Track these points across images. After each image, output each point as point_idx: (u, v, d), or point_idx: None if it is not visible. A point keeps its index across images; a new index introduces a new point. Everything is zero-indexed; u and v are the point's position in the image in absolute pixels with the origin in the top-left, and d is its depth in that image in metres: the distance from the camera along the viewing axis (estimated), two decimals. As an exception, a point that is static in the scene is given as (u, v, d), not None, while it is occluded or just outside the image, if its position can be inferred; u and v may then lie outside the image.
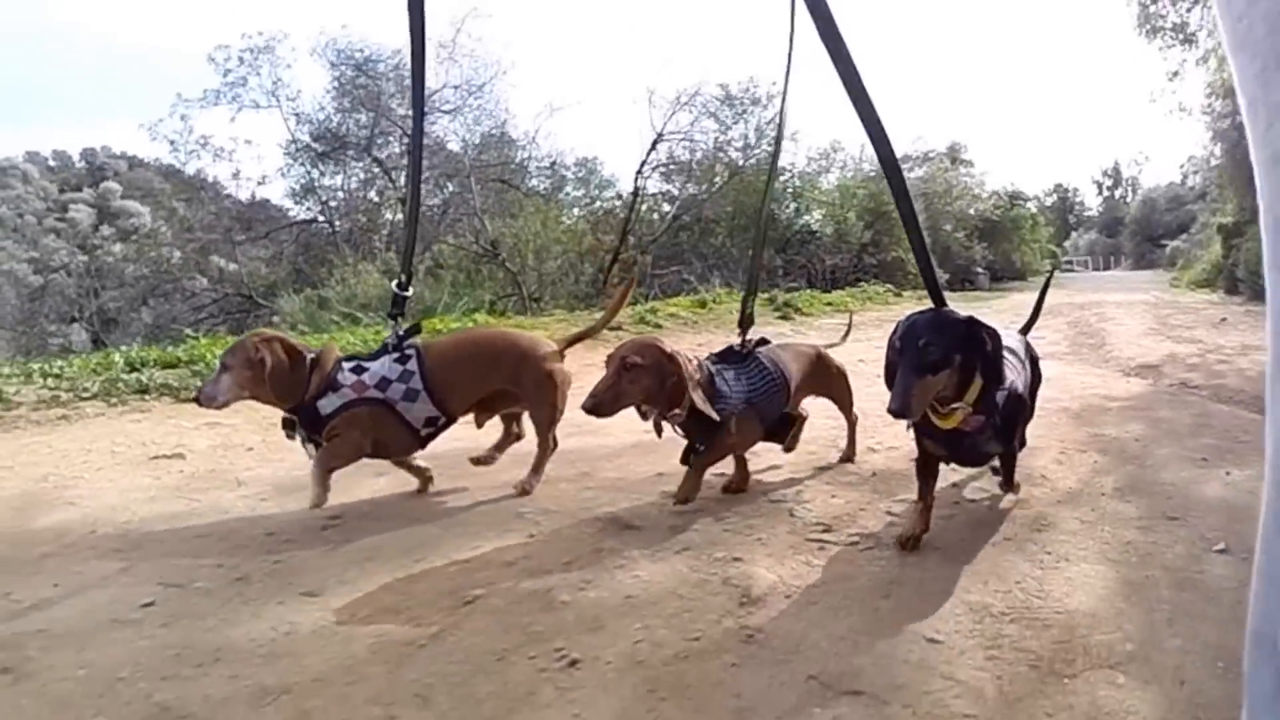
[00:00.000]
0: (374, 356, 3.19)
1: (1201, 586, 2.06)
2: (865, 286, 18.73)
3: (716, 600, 2.09)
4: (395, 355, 3.16)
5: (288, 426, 3.09)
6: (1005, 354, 2.45)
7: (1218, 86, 15.68)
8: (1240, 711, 0.79)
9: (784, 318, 12.26)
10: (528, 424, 3.51)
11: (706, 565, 2.34)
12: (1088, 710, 1.50)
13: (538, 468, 3.33)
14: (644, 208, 22.00)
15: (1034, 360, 2.91)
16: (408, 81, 22.50)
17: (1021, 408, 2.58)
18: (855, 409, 3.62)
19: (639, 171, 21.26)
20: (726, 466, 3.17)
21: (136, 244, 27.20)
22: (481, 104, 22.98)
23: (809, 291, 16.35)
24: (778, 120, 3.67)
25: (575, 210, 23.29)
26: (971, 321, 2.31)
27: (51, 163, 75.51)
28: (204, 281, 22.63)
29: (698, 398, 2.73)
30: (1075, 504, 2.82)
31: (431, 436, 3.23)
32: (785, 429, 3.19)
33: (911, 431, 2.52)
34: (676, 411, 2.77)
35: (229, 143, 22.87)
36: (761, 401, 3.01)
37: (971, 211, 28.84)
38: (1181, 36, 15.28)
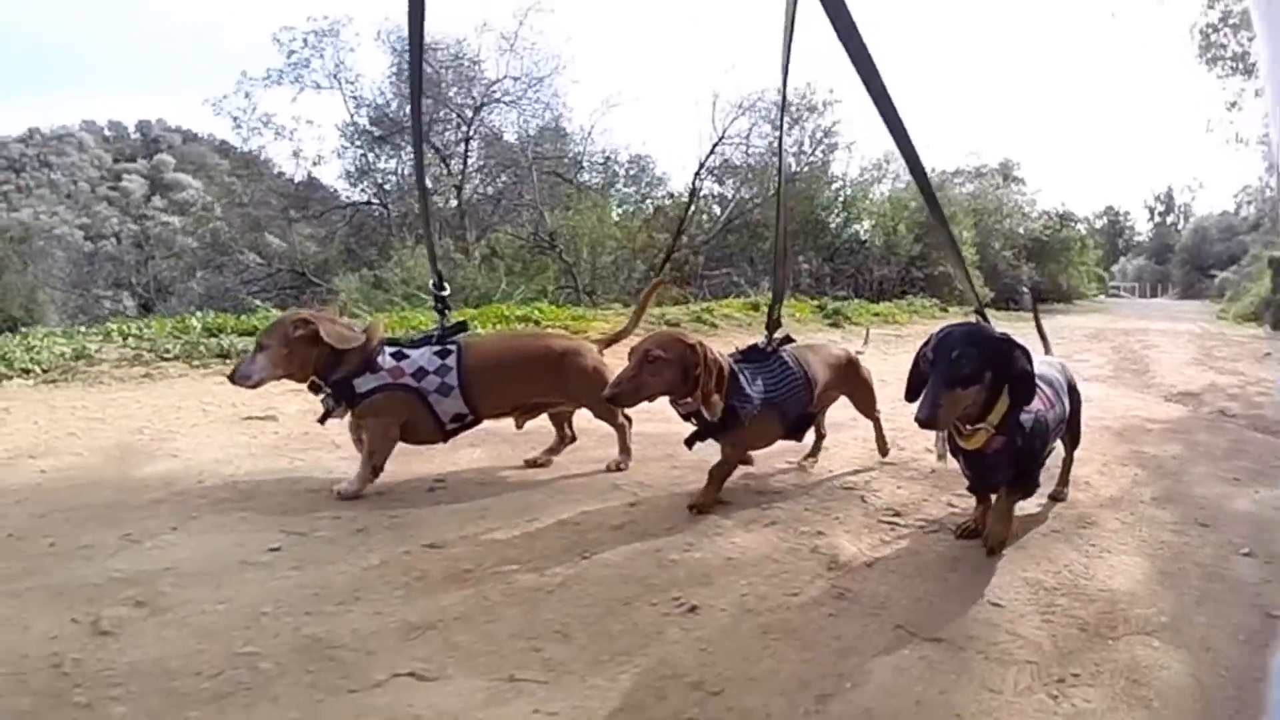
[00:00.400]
0: (416, 344, 3.26)
1: (1227, 579, 2.37)
2: (912, 299, 18.81)
3: (808, 564, 2.40)
4: (437, 348, 3.24)
5: (316, 389, 3.13)
6: (1041, 383, 2.47)
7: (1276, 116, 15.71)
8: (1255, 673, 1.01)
9: (834, 325, 12.59)
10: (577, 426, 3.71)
11: (794, 537, 2.65)
12: (1128, 663, 1.83)
13: (625, 448, 3.54)
14: (692, 209, 22.21)
15: (1071, 387, 2.95)
16: (466, 70, 23.18)
17: (1045, 437, 2.57)
18: (879, 410, 3.71)
19: (697, 173, 21.43)
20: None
21: (193, 216, 27.75)
22: (540, 96, 23.20)
23: (857, 301, 16.54)
24: (780, 122, 3.78)
25: (624, 207, 23.59)
26: (1008, 340, 2.34)
27: (107, 133, 77.01)
28: (254, 256, 23.09)
29: (706, 406, 2.79)
30: (1116, 508, 3.10)
31: (456, 432, 3.31)
32: (806, 426, 3.30)
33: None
34: (687, 400, 2.84)
35: (290, 122, 23.32)
36: (782, 400, 3.06)
37: (1020, 230, 28.63)
38: (1241, 66, 15.32)
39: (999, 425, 2.33)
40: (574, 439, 3.70)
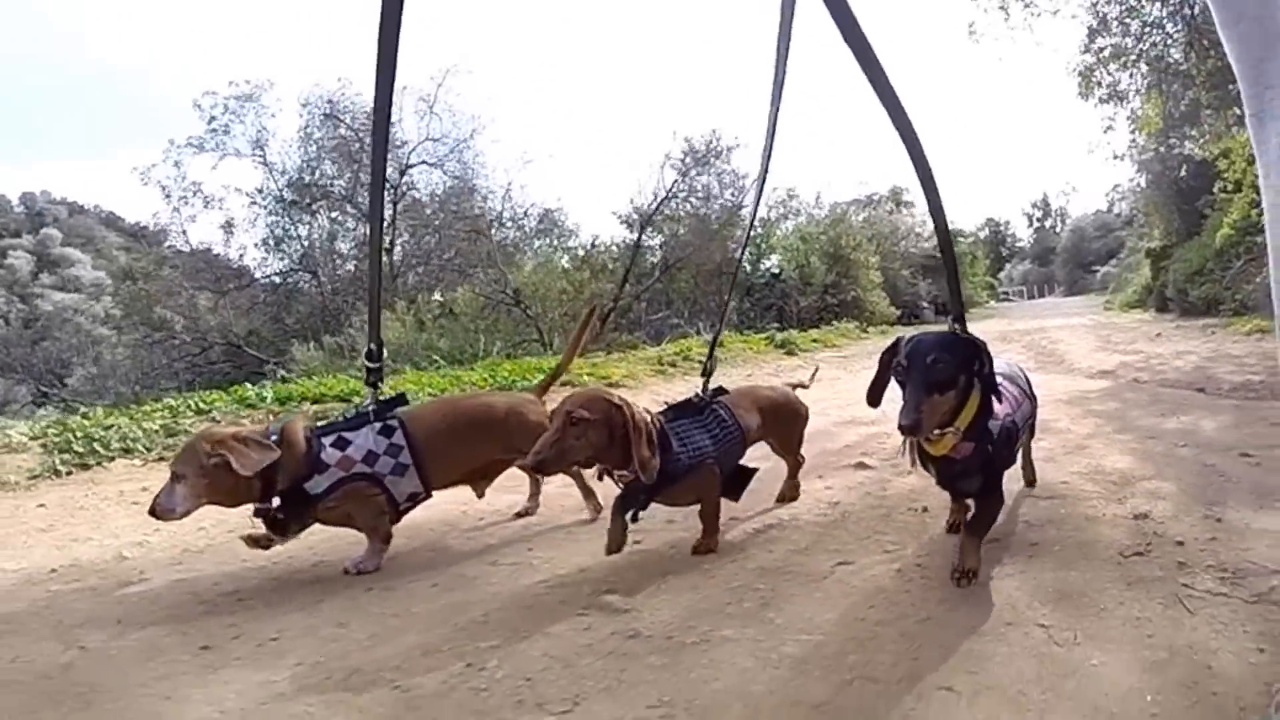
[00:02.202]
0: (352, 425, 3.11)
1: (1178, 457, 4.04)
2: (837, 324, 20.63)
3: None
4: (379, 427, 3.10)
5: (266, 517, 2.99)
6: (1005, 384, 2.62)
7: (1140, 122, 17.86)
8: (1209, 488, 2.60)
9: (789, 354, 14.26)
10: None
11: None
12: (1146, 490, 3.43)
13: (534, 495, 3.79)
14: (603, 256, 23.11)
15: (1029, 384, 3.12)
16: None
17: (1012, 443, 2.67)
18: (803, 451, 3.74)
19: (643, 227, 22.69)
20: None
21: (117, 292, 26.27)
22: (461, 157, 23.96)
23: (793, 331, 18.13)
24: (760, 175, 3.47)
25: (537, 259, 23.99)
26: (974, 343, 2.42)
27: None
28: (151, 333, 22.60)
29: (641, 468, 2.67)
30: (1095, 438, 4.72)
31: (407, 510, 3.23)
32: (744, 482, 3.27)
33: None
34: (623, 471, 2.74)
35: (220, 190, 23.20)
36: (718, 454, 3.01)
37: (914, 250, 30.66)
38: (1113, 94, 17.47)
39: (967, 430, 2.41)
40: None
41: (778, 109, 3.01)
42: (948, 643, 2.05)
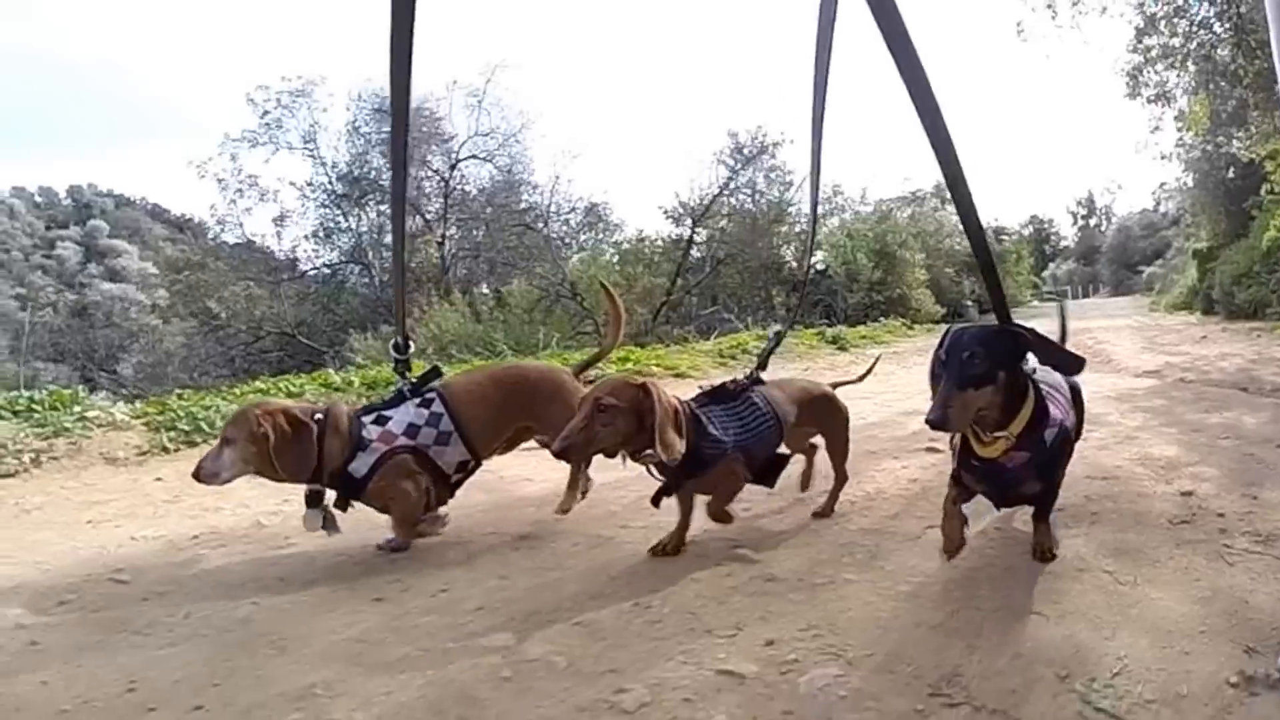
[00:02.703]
0: (391, 404, 3.14)
1: (1220, 447, 4.49)
2: (884, 321, 20.95)
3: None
4: (417, 401, 3.12)
5: (316, 499, 3.00)
6: (1051, 390, 2.58)
7: (1188, 121, 18.10)
8: (1247, 473, 3.11)
9: (841, 349, 14.63)
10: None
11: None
12: (1195, 474, 3.88)
13: (572, 484, 3.55)
14: (647, 250, 23.61)
15: (1073, 388, 2.99)
16: (426, 129, 23.32)
17: (1068, 448, 2.65)
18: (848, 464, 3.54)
19: (695, 223, 23.12)
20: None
21: (179, 282, 26.29)
22: (511, 152, 24.65)
23: (842, 327, 18.40)
24: (811, 176, 3.47)
25: (583, 253, 24.79)
26: (1014, 334, 2.35)
27: (38, 199, 75.68)
28: (205, 320, 23.54)
29: (663, 447, 2.61)
30: (1143, 430, 5.16)
31: (460, 483, 3.25)
32: (777, 471, 3.14)
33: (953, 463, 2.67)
34: (650, 452, 2.67)
35: (275, 184, 24.14)
36: (750, 442, 2.96)
37: (958, 248, 30.72)
38: (1161, 95, 17.79)
39: (1020, 437, 2.38)
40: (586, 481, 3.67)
41: (822, 111, 3.02)
42: (1031, 583, 2.57)
